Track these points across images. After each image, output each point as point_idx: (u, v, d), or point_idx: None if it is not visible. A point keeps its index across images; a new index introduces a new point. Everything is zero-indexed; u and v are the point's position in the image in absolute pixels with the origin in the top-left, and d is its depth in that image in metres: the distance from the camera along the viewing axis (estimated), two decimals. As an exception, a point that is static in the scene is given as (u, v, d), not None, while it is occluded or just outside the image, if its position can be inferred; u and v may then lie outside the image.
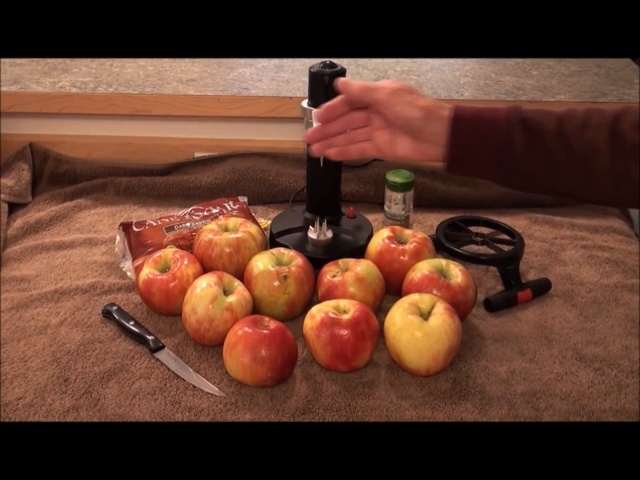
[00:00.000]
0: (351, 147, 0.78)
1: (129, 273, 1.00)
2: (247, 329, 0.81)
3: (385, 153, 0.77)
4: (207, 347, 0.87)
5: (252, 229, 0.97)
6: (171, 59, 1.40)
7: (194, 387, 0.82)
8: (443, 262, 0.92)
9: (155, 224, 1.04)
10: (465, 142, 0.73)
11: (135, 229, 1.03)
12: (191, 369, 0.84)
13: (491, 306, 0.95)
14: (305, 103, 0.99)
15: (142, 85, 1.28)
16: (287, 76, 1.34)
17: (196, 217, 1.05)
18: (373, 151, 0.77)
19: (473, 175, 0.76)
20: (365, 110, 0.77)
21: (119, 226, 1.03)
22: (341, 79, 0.76)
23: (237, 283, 0.89)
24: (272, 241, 1.03)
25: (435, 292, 0.88)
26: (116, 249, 1.04)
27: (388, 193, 1.08)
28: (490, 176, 0.75)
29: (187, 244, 1.00)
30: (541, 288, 0.99)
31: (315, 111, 0.77)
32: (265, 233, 1.03)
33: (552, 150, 0.71)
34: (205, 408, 0.79)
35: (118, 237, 1.03)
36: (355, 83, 0.75)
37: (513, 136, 0.71)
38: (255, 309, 0.89)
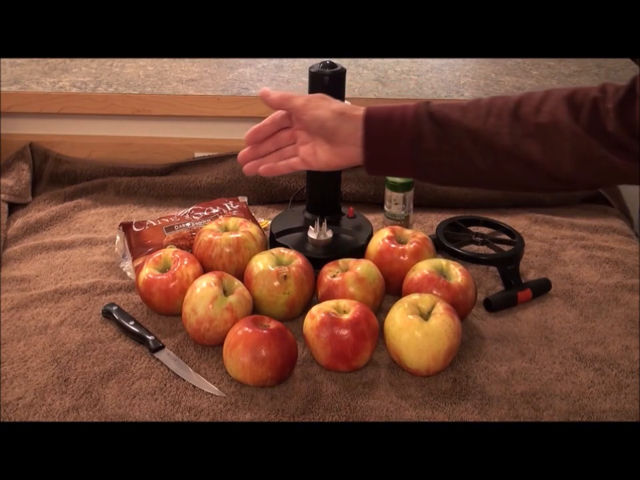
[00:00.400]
0: (280, 163, 0.81)
1: (129, 273, 1.00)
2: (246, 329, 0.81)
3: (310, 164, 0.80)
4: (207, 346, 0.87)
5: (252, 229, 0.97)
6: (171, 59, 1.40)
7: (194, 387, 0.82)
8: (443, 262, 0.92)
9: (154, 224, 1.04)
10: (377, 140, 0.75)
11: (134, 228, 1.03)
12: (190, 369, 0.84)
13: (491, 306, 0.95)
14: (304, 103, 0.99)
15: (142, 84, 1.28)
16: (287, 76, 1.34)
17: (196, 217, 1.05)
18: (300, 164, 0.81)
19: (390, 173, 0.80)
20: (290, 129, 0.81)
21: (119, 226, 1.03)
22: (263, 89, 0.79)
23: (237, 282, 0.89)
24: (272, 240, 1.03)
25: (434, 292, 0.88)
26: (116, 249, 1.04)
27: (388, 193, 1.08)
28: (405, 172, 0.79)
29: (186, 244, 1.00)
30: (541, 288, 0.99)
31: (246, 134, 0.81)
32: (265, 232, 1.03)
33: (458, 139, 0.72)
34: (205, 408, 0.79)
35: (118, 237, 1.03)
36: (274, 93, 0.79)
37: (422, 130, 0.73)
38: (255, 309, 0.89)
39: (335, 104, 0.78)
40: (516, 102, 0.72)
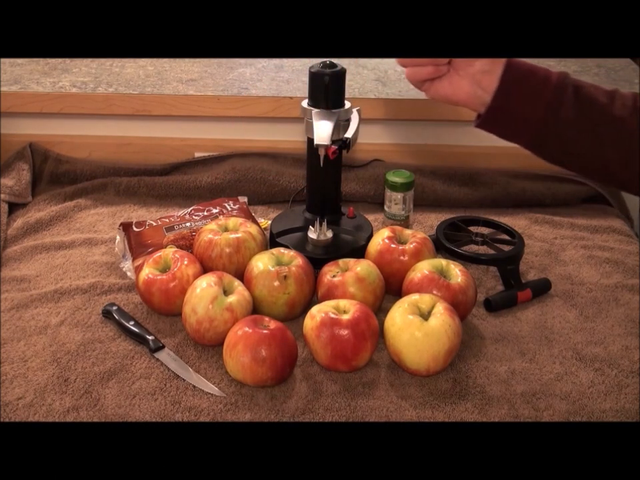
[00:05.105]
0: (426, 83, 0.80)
1: (128, 273, 1.00)
2: (247, 328, 0.81)
3: (429, 91, 0.80)
4: (207, 346, 0.87)
5: (252, 229, 0.97)
6: (171, 59, 1.40)
7: (194, 386, 0.82)
8: (443, 262, 0.92)
9: (154, 224, 1.04)
10: (513, 90, 0.73)
11: (134, 228, 1.03)
12: (190, 369, 0.84)
13: (491, 306, 0.95)
14: (305, 103, 0.99)
15: (142, 85, 1.28)
16: (287, 76, 1.34)
17: (196, 217, 1.05)
18: (429, 89, 0.80)
19: (503, 131, 0.76)
20: None
21: (119, 226, 1.03)
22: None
23: (237, 282, 0.89)
24: (272, 241, 1.03)
25: (435, 292, 0.88)
26: (116, 248, 1.04)
27: (388, 193, 1.08)
28: (521, 134, 0.75)
29: (187, 244, 1.00)
30: (541, 288, 0.99)
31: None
32: (265, 232, 1.03)
33: (598, 121, 0.71)
34: (205, 408, 0.79)
35: (118, 237, 1.03)
36: None
37: (563, 98, 0.72)
38: (255, 309, 0.89)
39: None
40: None
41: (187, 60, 1.41)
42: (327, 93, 0.96)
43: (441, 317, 0.82)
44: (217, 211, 1.07)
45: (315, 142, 0.92)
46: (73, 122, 1.28)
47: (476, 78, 0.76)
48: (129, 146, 1.27)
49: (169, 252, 0.94)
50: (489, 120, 0.77)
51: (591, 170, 0.77)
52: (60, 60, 1.38)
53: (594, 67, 1.40)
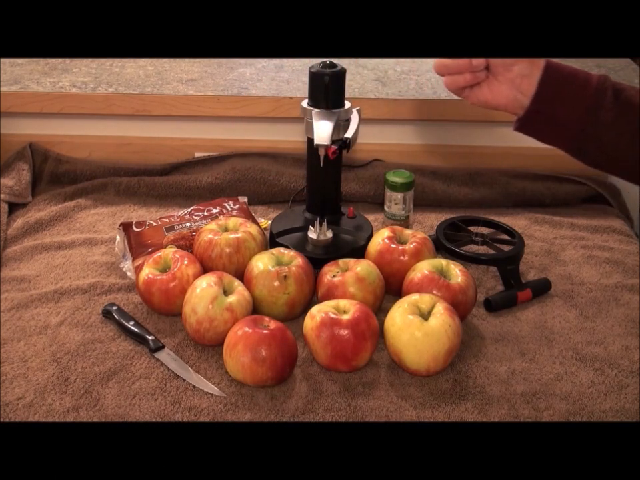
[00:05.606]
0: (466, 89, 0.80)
1: (128, 273, 1.00)
2: (247, 328, 0.81)
3: (469, 97, 0.80)
4: (207, 346, 0.87)
5: (252, 229, 0.97)
6: (171, 59, 1.40)
7: (194, 387, 0.82)
8: (443, 262, 0.92)
9: (155, 224, 1.04)
10: (552, 94, 0.73)
11: (134, 228, 1.03)
12: (190, 369, 0.84)
13: (491, 306, 0.95)
14: (305, 103, 0.99)
15: (142, 85, 1.28)
16: (287, 76, 1.34)
17: (196, 217, 1.05)
18: (471, 95, 0.80)
19: (543, 134, 0.76)
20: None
21: (119, 226, 1.03)
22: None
23: (237, 282, 0.89)
24: (272, 241, 1.03)
25: (435, 292, 0.88)
26: (116, 248, 1.04)
27: (388, 193, 1.08)
28: (560, 138, 0.75)
29: (187, 244, 1.00)
30: (541, 288, 0.99)
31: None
32: (265, 232, 1.03)
33: (639, 124, 0.71)
34: (205, 408, 0.79)
35: (118, 237, 1.03)
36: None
37: (603, 101, 0.72)
38: (255, 309, 0.89)
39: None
40: None
41: (187, 60, 1.40)
42: (327, 92, 0.96)
43: (441, 317, 0.82)
44: (217, 210, 1.07)
45: (315, 142, 0.93)
46: (72, 122, 1.28)
47: (515, 82, 0.76)
48: (128, 146, 1.27)
49: (169, 252, 0.94)
50: (528, 123, 0.77)
51: (632, 173, 0.77)
52: (60, 60, 1.38)
53: (594, 67, 1.40)
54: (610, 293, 0.99)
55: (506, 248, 1.01)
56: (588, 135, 0.74)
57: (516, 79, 0.76)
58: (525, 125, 0.77)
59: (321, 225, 0.99)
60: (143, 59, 1.40)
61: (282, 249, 0.94)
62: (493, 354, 0.88)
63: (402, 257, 0.94)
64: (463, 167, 1.24)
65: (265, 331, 0.81)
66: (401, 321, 0.82)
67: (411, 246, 0.95)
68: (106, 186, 1.21)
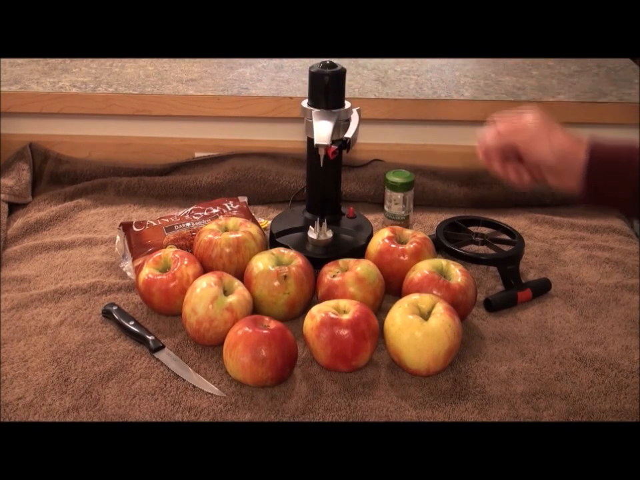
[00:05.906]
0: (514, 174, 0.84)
1: (128, 273, 1.00)
2: (247, 328, 0.81)
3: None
4: (207, 346, 0.87)
5: (252, 229, 0.97)
6: (171, 59, 1.40)
7: (194, 387, 0.82)
8: (443, 262, 0.92)
9: (155, 224, 1.04)
10: (600, 183, 0.76)
11: (134, 228, 1.03)
12: (190, 369, 0.84)
13: (491, 306, 0.95)
14: (305, 103, 0.99)
15: (142, 85, 1.28)
16: (287, 76, 1.34)
17: (196, 217, 1.05)
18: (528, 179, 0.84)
19: (612, 208, 0.83)
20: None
21: (119, 226, 1.03)
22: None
23: (237, 282, 0.89)
24: (272, 241, 1.03)
25: (435, 292, 0.88)
26: (116, 248, 1.04)
27: (388, 193, 1.08)
28: (631, 211, 0.83)
29: (187, 244, 1.00)
30: (541, 288, 0.99)
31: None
32: (265, 232, 1.03)
33: None
34: (205, 408, 0.79)
35: (118, 237, 1.03)
36: (501, 123, 0.80)
37: None
38: (255, 309, 0.89)
39: (557, 138, 0.78)
40: None
41: (187, 60, 1.41)
42: (327, 92, 0.96)
43: (441, 317, 0.82)
44: (217, 211, 1.07)
45: (315, 142, 0.92)
46: (73, 122, 1.28)
47: (552, 171, 0.79)
48: (128, 146, 1.27)
49: (169, 252, 0.94)
50: (584, 203, 0.79)
51: None
52: (60, 60, 1.38)
53: (594, 67, 1.40)
54: (610, 293, 0.99)
55: (506, 248, 1.01)
56: None
57: (569, 176, 0.78)
58: (587, 204, 0.80)
59: (320, 224, 0.99)
60: (143, 59, 1.40)
61: (282, 249, 0.94)
62: (493, 354, 0.88)
63: (402, 257, 0.94)
64: (463, 167, 1.24)
65: (265, 331, 0.81)
66: (401, 320, 0.82)
67: (411, 246, 0.95)
68: (106, 186, 1.21)
